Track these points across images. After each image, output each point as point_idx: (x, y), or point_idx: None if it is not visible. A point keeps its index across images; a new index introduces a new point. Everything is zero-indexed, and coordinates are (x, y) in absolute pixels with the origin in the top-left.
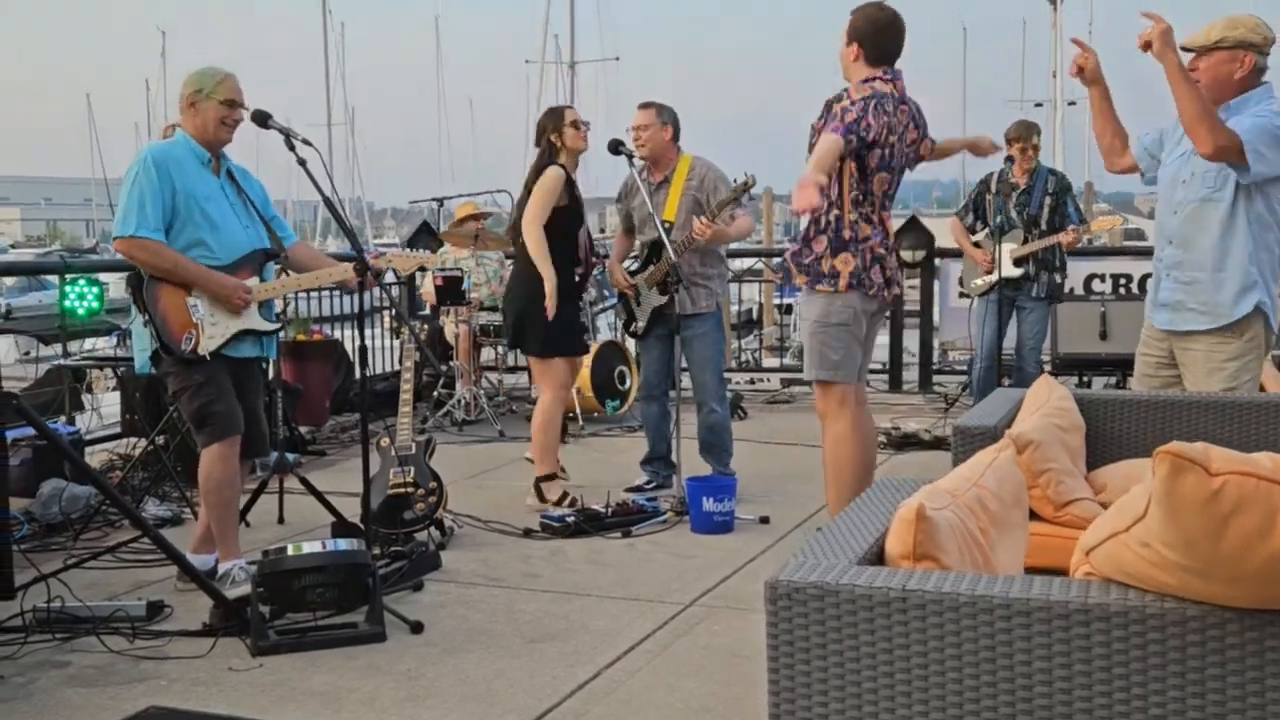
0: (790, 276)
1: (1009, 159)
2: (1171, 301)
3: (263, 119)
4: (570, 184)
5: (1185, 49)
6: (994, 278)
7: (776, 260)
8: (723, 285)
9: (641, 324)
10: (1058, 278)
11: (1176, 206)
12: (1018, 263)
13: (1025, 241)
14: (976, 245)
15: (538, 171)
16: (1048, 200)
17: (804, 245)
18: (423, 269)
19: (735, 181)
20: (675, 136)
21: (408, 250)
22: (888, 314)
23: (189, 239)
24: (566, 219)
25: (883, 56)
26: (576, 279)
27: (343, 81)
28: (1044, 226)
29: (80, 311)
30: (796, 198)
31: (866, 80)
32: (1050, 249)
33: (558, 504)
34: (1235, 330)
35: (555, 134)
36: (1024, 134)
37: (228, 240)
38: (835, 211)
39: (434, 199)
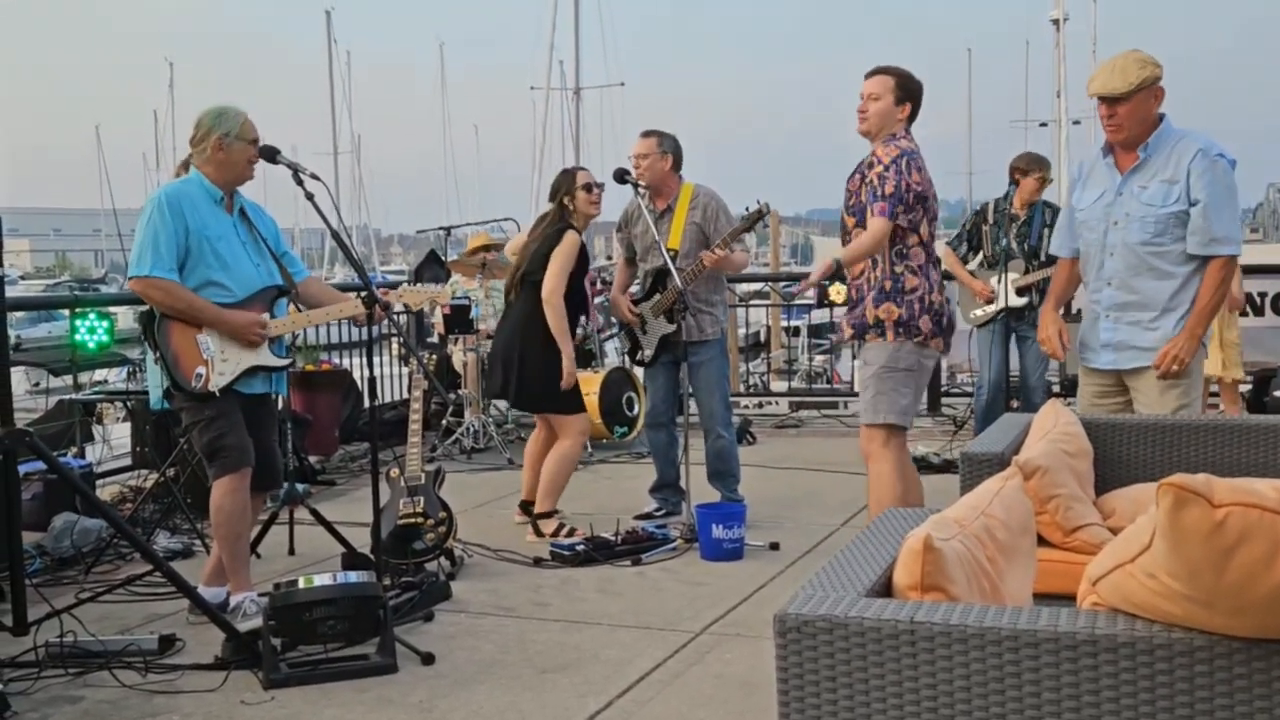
0: (843, 335)
1: (1014, 183)
2: (1114, 342)
3: (271, 154)
4: (581, 245)
5: (1101, 97)
6: (994, 308)
7: (783, 284)
8: (725, 312)
9: (649, 353)
10: None
11: (1112, 248)
12: (1020, 292)
13: (1026, 271)
14: (972, 274)
15: (556, 235)
16: (1046, 231)
17: (855, 305)
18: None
19: (747, 210)
20: (676, 166)
21: (419, 285)
22: None
23: (201, 278)
24: (576, 280)
25: (917, 109)
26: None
27: (348, 109)
28: (1043, 257)
29: (91, 345)
30: (815, 270)
31: (894, 138)
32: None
33: (554, 535)
34: None
35: (568, 196)
36: (1034, 165)
37: (239, 278)
38: (881, 266)
39: (441, 228)
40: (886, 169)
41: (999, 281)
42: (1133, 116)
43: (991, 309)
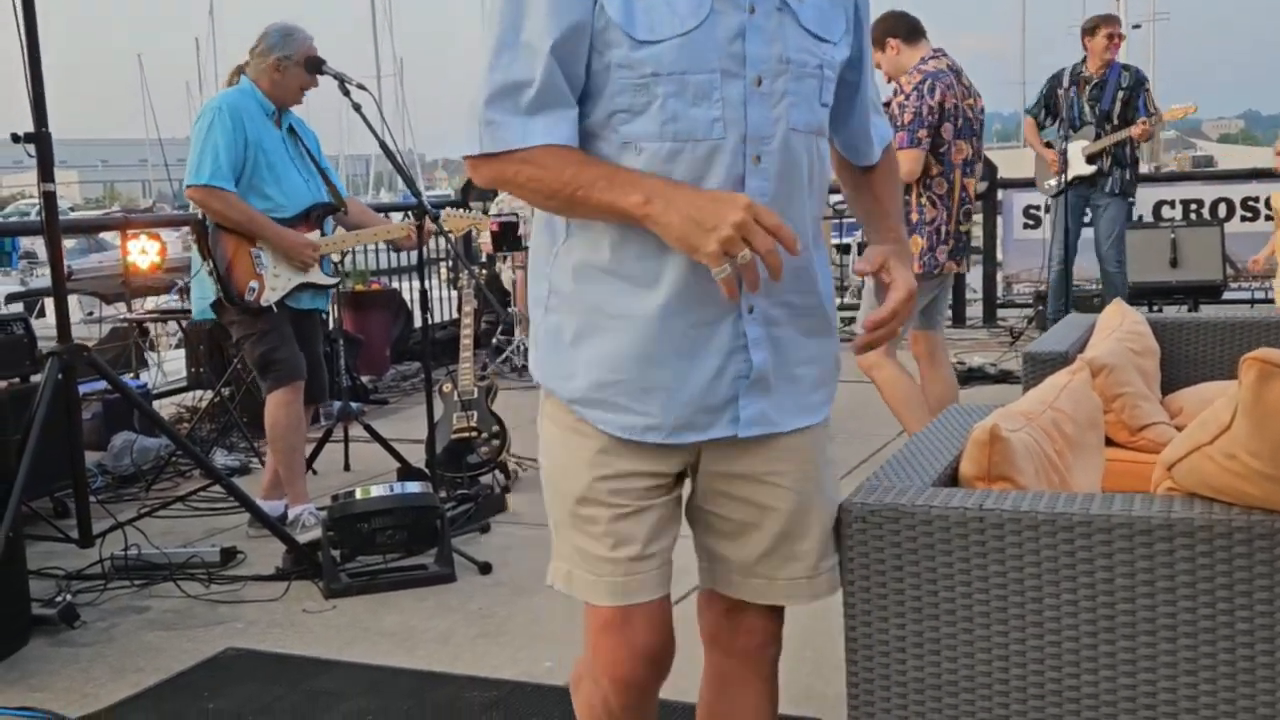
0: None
1: (1085, 48)
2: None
3: (317, 65)
4: None
5: None
6: (1068, 176)
7: (835, 197)
8: None
9: None
10: (1129, 173)
11: (765, 137)
12: (1091, 159)
13: (1097, 138)
14: (1048, 145)
15: None
16: (1120, 94)
17: None
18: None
19: None
20: None
21: (461, 211)
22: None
23: (255, 192)
24: None
25: (914, 30)
26: None
27: (390, 33)
28: (1116, 121)
29: (144, 265)
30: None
31: (917, 65)
32: (1122, 145)
33: None
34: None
35: None
36: (1100, 23)
37: (291, 194)
38: (905, 196)
39: None
40: (908, 97)
41: (1066, 149)
42: None
43: (1064, 177)
